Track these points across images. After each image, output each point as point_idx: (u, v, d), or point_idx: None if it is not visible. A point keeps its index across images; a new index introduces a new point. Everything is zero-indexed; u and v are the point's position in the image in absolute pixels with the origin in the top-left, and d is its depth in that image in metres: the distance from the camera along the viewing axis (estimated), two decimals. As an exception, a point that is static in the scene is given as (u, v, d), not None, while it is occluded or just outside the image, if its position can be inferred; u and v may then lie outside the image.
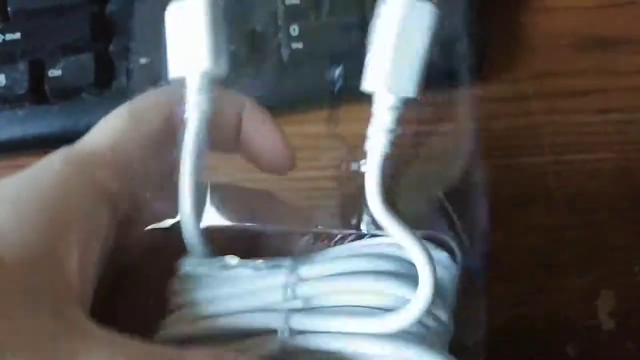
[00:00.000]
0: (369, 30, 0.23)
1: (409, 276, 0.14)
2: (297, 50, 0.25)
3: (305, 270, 0.15)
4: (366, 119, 0.26)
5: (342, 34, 0.25)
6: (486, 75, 0.27)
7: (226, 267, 0.15)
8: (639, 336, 0.25)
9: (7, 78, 0.25)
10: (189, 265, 0.16)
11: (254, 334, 0.15)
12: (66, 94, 0.26)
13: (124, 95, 0.26)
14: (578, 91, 0.27)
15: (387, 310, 0.14)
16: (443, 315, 0.15)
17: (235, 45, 0.25)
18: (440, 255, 0.15)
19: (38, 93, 0.25)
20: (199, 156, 0.15)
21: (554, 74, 0.27)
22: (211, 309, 0.15)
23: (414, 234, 0.14)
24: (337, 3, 0.26)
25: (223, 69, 0.16)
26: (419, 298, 0.13)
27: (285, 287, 0.14)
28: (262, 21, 0.26)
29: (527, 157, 0.26)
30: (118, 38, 0.26)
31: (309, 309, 0.14)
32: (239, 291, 0.15)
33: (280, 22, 0.26)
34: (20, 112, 0.26)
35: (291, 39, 0.25)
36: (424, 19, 0.14)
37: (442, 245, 0.15)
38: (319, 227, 0.17)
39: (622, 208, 0.26)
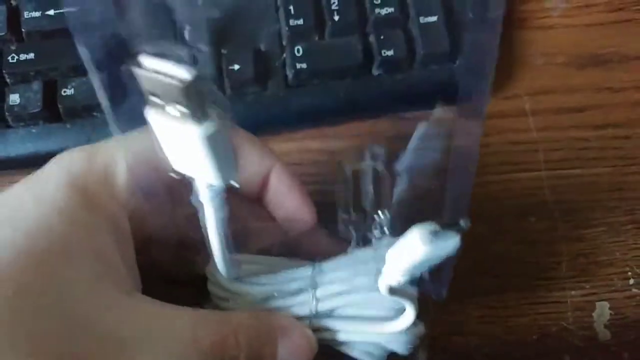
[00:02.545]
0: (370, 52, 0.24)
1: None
2: (301, 69, 0.26)
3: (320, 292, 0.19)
4: (365, 135, 0.27)
5: (345, 54, 0.26)
6: (484, 92, 0.28)
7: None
8: (634, 348, 0.25)
9: (21, 97, 0.26)
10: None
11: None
12: (78, 112, 0.26)
13: (135, 114, 0.27)
14: (574, 107, 0.28)
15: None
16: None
17: (240, 65, 0.26)
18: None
19: (51, 111, 0.26)
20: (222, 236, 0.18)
21: (551, 91, 0.28)
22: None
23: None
24: (339, 23, 0.27)
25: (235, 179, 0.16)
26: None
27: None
28: (266, 41, 0.27)
29: (524, 172, 0.27)
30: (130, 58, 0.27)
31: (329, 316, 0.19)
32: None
33: (284, 42, 0.27)
34: (34, 130, 0.26)
35: (295, 58, 0.26)
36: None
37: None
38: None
39: (618, 222, 0.26)
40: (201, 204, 0.16)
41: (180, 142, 0.15)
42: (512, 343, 0.25)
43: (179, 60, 0.13)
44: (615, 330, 0.25)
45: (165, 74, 0.13)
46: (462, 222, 0.15)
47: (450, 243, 0.15)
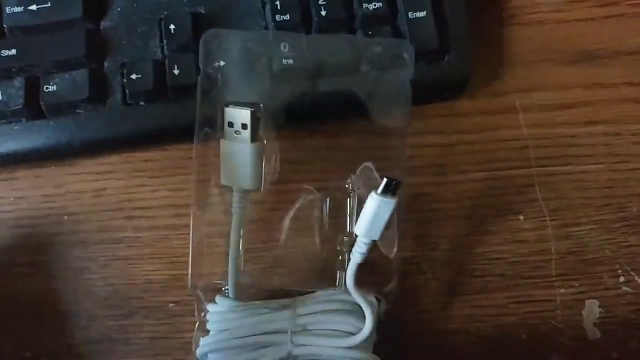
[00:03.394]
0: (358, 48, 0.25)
1: (360, 313, 0.23)
2: (287, 65, 0.25)
3: (302, 309, 0.23)
4: (352, 132, 0.27)
5: (332, 49, 0.26)
6: (473, 88, 0.27)
7: (254, 306, 0.23)
8: (623, 346, 0.25)
9: (3, 94, 0.26)
10: (224, 301, 0.23)
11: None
12: (61, 109, 0.26)
13: (117, 110, 0.27)
14: (565, 104, 0.28)
15: (349, 333, 0.23)
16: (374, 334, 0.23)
17: (225, 62, 0.25)
18: (372, 298, 0.23)
19: (34, 108, 0.26)
20: (239, 236, 0.24)
21: (541, 87, 0.28)
22: (239, 332, 0.23)
23: (365, 296, 0.23)
24: (326, 19, 0.26)
25: (258, 187, 0.23)
26: (367, 327, 0.23)
27: (290, 319, 0.23)
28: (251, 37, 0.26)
29: (514, 169, 0.27)
30: (112, 55, 0.27)
31: (305, 331, 0.23)
32: (259, 320, 0.23)
33: (270, 38, 0.26)
34: (16, 127, 0.26)
35: (282, 54, 0.26)
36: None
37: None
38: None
39: (608, 219, 0.26)
40: (231, 215, 0.23)
41: (236, 158, 0.23)
42: (501, 342, 0.25)
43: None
44: (604, 328, 0.25)
45: (241, 109, 0.23)
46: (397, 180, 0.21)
47: (392, 199, 0.21)
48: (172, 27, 0.26)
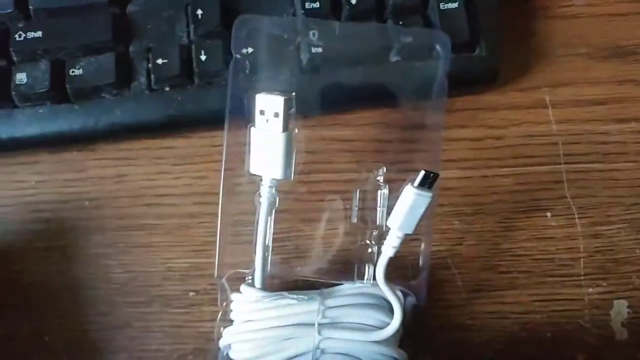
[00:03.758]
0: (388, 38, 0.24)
1: (387, 307, 0.23)
2: (316, 54, 0.25)
3: (330, 302, 0.23)
4: (380, 124, 0.26)
5: (361, 38, 0.25)
6: (502, 82, 0.27)
7: (281, 297, 0.23)
8: (651, 347, 0.25)
9: (28, 76, 0.25)
10: (250, 291, 0.23)
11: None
12: (86, 93, 0.26)
13: (142, 95, 0.26)
14: (595, 100, 0.27)
15: (376, 327, 0.23)
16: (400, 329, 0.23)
17: (253, 48, 0.25)
18: (400, 293, 0.23)
19: (59, 92, 0.26)
20: (267, 225, 0.23)
21: (571, 83, 0.27)
22: (266, 324, 0.23)
23: (394, 290, 0.23)
24: (357, 8, 0.26)
25: (289, 176, 0.23)
26: (395, 322, 0.22)
27: (318, 311, 0.22)
28: (281, 24, 0.26)
29: (543, 165, 0.26)
30: (138, 39, 0.26)
31: (333, 324, 0.22)
32: (286, 311, 0.23)
33: (299, 26, 0.26)
34: (41, 110, 0.26)
35: (310, 43, 0.25)
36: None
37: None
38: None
39: (638, 219, 0.26)
40: (260, 204, 0.23)
41: (266, 146, 0.22)
42: (525, 340, 0.25)
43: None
44: (632, 329, 0.25)
45: (274, 96, 0.22)
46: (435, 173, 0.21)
47: (429, 193, 0.21)
48: (199, 12, 0.26)
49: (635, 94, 0.27)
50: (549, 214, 0.26)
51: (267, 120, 0.21)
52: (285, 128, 0.22)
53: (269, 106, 0.21)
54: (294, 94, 0.22)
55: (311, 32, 0.25)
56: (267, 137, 0.22)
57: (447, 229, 0.26)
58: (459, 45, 0.26)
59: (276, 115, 0.21)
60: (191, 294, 0.26)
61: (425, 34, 0.25)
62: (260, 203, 0.22)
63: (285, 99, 0.21)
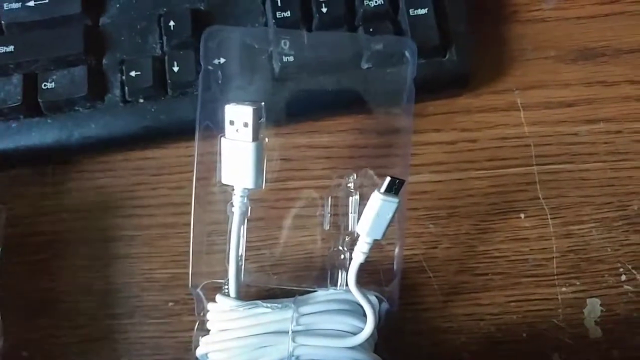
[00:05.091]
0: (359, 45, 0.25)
1: (361, 312, 0.23)
2: (287, 62, 0.25)
3: (304, 309, 0.23)
4: (353, 130, 0.27)
5: (332, 46, 0.26)
6: (474, 85, 0.27)
7: (255, 305, 0.23)
8: (624, 345, 0.25)
9: (0, 91, 0.25)
10: (225, 300, 0.23)
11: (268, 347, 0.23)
12: (59, 106, 0.26)
13: (116, 107, 0.26)
14: (565, 101, 0.28)
15: (350, 333, 0.23)
16: (375, 334, 0.23)
17: (224, 58, 0.25)
18: (373, 298, 0.24)
19: (31, 105, 0.26)
20: (240, 234, 0.23)
21: (542, 85, 0.28)
22: (240, 333, 0.23)
23: (366, 296, 0.23)
24: (327, 16, 0.26)
25: (260, 185, 0.23)
26: (368, 327, 0.22)
27: (292, 319, 0.23)
28: (252, 34, 0.26)
29: (515, 167, 0.27)
30: (111, 51, 0.27)
31: (307, 331, 0.22)
32: (260, 319, 0.23)
33: (270, 35, 0.26)
34: (14, 124, 0.26)
35: (282, 52, 0.25)
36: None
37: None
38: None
39: (609, 217, 0.26)
40: (232, 213, 0.23)
41: (236, 157, 0.22)
42: (502, 341, 0.25)
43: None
44: (606, 327, 0.25)
45: (243, 106, 0.22)
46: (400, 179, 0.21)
47: (395, 199, 0.22)
48: (171, 23, 0.26)
49: (603, 95, 0.27)
50: (522, 215, 0.26)
51: (237, 130, 0.22)
52: (256, 138, 0.22)
53: (238, 116, 0.22)
54: (263, 103, 0.22)
55: (282, 42, 0.25)
56: (238, 147, 0.22)
57: (422, 233, 0.26)
58: (429, 50, 0.26)
59: (245, 125, 0.21)
60: (170, 304, 0.26)
61: (394, 41, 0.25)
62: (232, 213, 0.23)
63: (254, 109, 0.21)
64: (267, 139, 0.23)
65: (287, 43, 0.25)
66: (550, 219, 0.26)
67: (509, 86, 0.28)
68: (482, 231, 0.26)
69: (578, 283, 0.26)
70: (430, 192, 0.26)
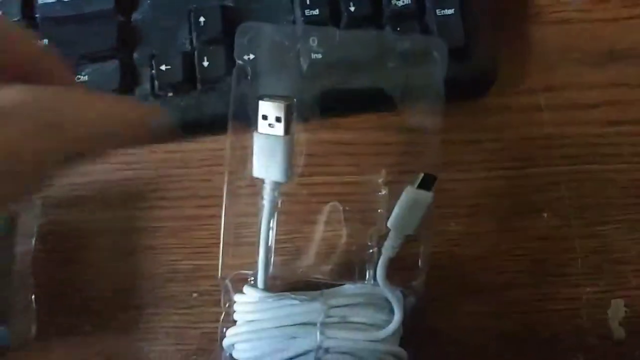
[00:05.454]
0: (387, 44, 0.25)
1: (388, 307, 0.23)
2: (316, 60, 0.26)
3: (332, 302, 0.23)
4: (379, 127, 0.27)
5: (360, 45, 0.26)
6: (499, 86, 0.28)
7: (283, 297, 0.23)
8: (648, 346, 0.25)
9: (35, 83, 0.26)
10: (253, 292, 0.24)
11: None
12: (91, 99, 0.26)
13: (146, 101, 0.27)
14: (590, 103, 0.28)
15: (377, 326, 0.23)
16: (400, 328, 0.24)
17: (254, 55, 0.26)
18: (399, 293, 0.24)
19: (64, 98, 0.26)
20: (270, 227, 0.24)
21: (566, 86, 0.28)
22: (269, 324, 0.23)
23: (394, 291, 0.23)
24: (355, 14, 0.26)
25: (290, 179, 0.23)
26: (395, 321, 0.23)
27: (320, 311, 0.23)
28: (281, 32, 0.27)
29: (539, 167, 0.27)
30: (142, 46, 0.27)
31: (335, 324, 0.23)
32: (289, 311, 0.23)
33: (299, 33, 0.26)
34: (46, 116, 0.26)
35: (310, 49, 0.26)
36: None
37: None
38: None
39: (633, 219, 0.26)
40: (262, 206, 0.23)
41: (269, 150, 0.23)
42: (524, 340, 0.25)
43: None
44: (630, 328, 0.25)
45: (276, 101, 0.22)
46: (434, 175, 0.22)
47: (428, 194, 0.22)
48: (201, 19, 0.27)
49: (628, 97, 0.27)
50: (545, 215, 0.26)
51: (269, 125, 0.22)
52: (287, 132, 0.22)
53: (271, 111, 0.22)
54: (295, 99, 0.23)
55: (311, 39, 0.26)
56: (270, 141, 0.22)
57: (445, 230, 0.26)
58: (455, 50, 0.26)
59: (278, 119, 0.22)
60: (194, 295, 0.26)
61: (422, 40, 0.26)
62: (263, 205, 0.23)
63: (287, 105, 0.22)
64: (297, 134, 0.23)
65: (316, 40, 0.26)
66: (574, 219, 0.26)
67: (533, 87, 0.28)
68: (506, 230, 0.26)
69: (602, 284, 0.26)
70: (454, 190, 0.27)
